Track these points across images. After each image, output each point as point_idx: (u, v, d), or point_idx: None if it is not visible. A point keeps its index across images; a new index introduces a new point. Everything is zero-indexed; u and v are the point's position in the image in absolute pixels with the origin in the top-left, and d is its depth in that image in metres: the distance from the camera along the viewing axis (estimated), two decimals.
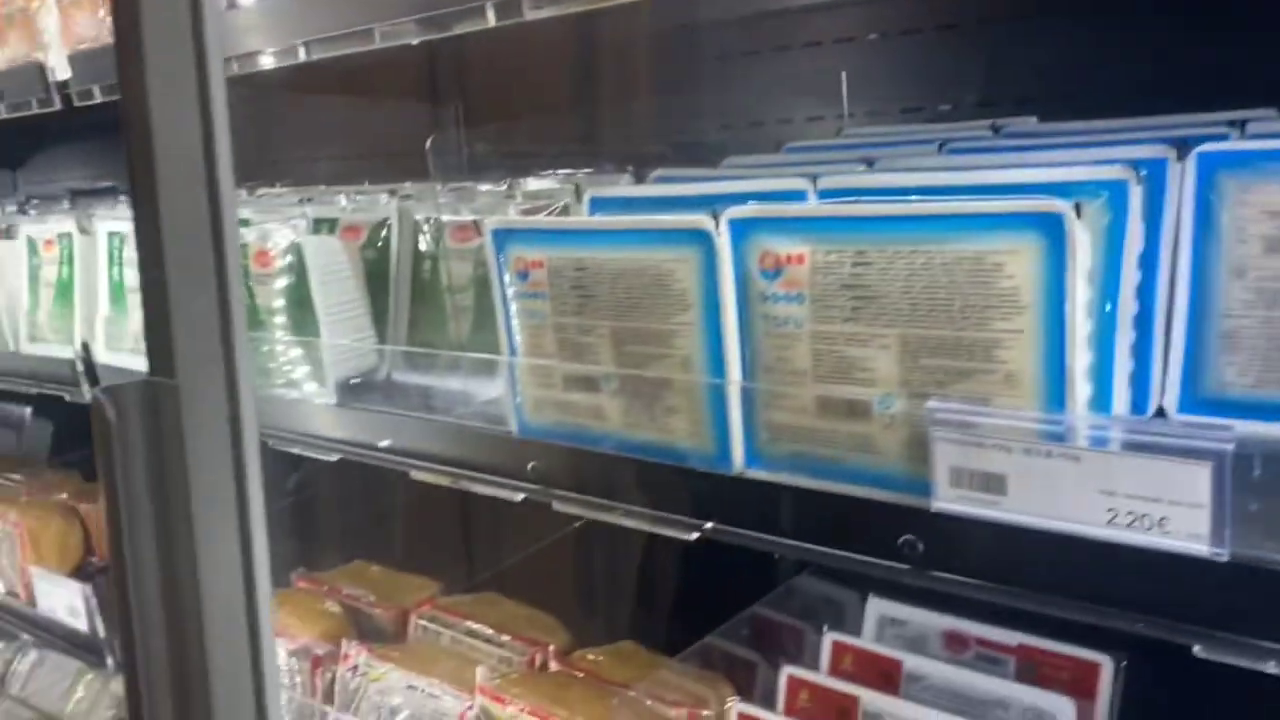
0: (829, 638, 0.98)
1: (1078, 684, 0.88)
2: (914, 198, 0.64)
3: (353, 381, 1.07)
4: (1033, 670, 0.91)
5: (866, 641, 0.98)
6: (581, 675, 1.03)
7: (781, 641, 1.03)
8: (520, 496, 0.89)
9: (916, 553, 0.65)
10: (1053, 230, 0.56)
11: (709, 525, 0.76)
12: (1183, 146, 0.63)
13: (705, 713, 0.93)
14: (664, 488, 0.78)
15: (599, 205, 0.84)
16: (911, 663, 0.94)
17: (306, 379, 1.08)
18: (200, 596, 0.44)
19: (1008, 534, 0.61)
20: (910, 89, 1.16)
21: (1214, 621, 0.55)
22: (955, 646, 0.97)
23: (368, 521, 1.52)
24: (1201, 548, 0.53)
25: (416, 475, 0.99)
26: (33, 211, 1.54)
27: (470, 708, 1.01)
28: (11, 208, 1.70)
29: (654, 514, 0.80)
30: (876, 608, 1.03)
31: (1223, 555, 0.53)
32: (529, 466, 0.87)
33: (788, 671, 0.94)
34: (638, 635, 1.12)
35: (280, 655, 1.18)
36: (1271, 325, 0.61)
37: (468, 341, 1.00)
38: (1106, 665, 0.88)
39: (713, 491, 0.75)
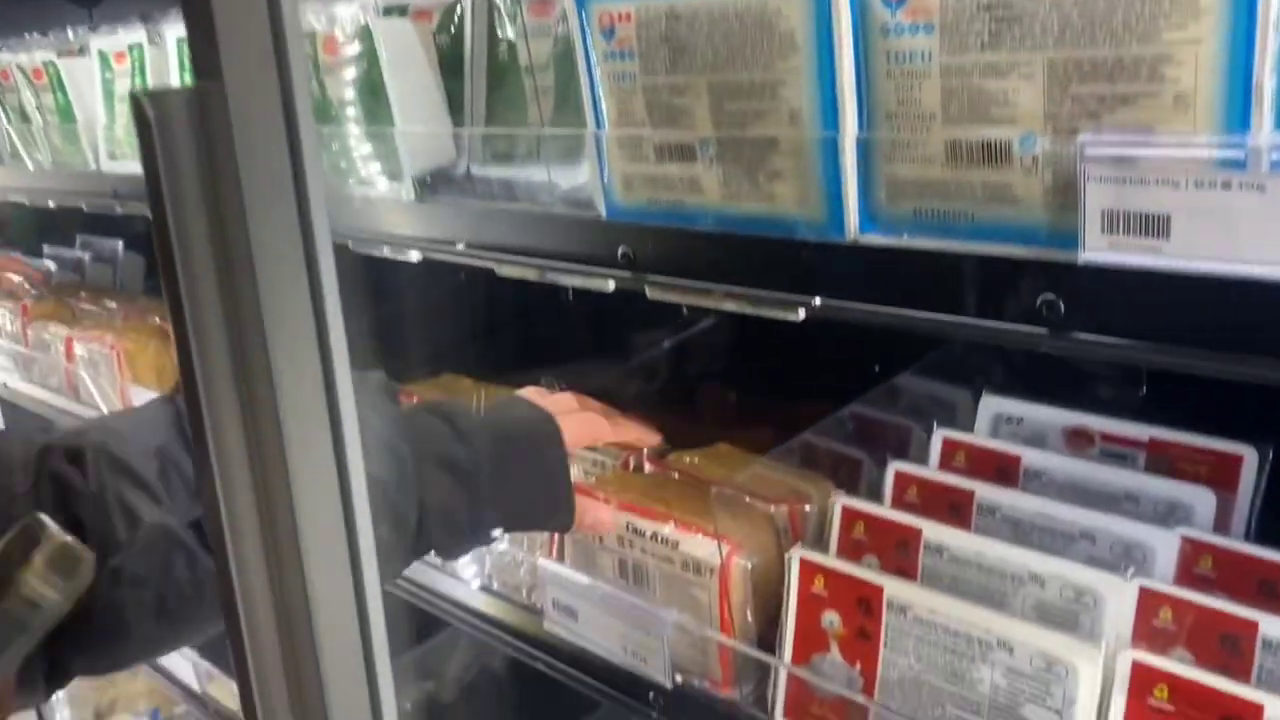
0: (939, 434, 0.93)
1: (1216, 477, 0.81)
2: None
3: (430, 176, 1.01)
4: (1166, 465, 0.84)
5: (980, 438, 0.92)
6: (678, 475, 0.99)
7: (885, 440, 0.98)
8: (611, 285, 0.84)
9: (1057, 314, 0.58)
10: None
11: (817, 302, 0.70)
12: None
13: (807, 507, 0.89)
14: (768, 264, 0.72)
15: None
16: (1030, 457, 0.88)
17: (382, 175, 1.03)
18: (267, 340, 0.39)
19: (1167, 284, 0.53)
20: None
21: None
22: (1078, 443, 0.91)
23: (452, 333, 1.50)
24: None
25: (503, 271, 0.94)
26: (103, 29, 1.50)
27: None
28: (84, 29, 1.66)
29: (756, 294, 0.74)
30: (990, 405, 0.96)
31: None
32: (619, 252, 0.81)
33: (895, 467, 0.89)
34: (733, 440, 1.08)
35: None
36: None
37: (550, 126, 0.93)
38: (1250, 456, 0.81)
39: (823, 263, 0.69)
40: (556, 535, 1.00)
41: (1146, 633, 0.69)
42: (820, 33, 0.63)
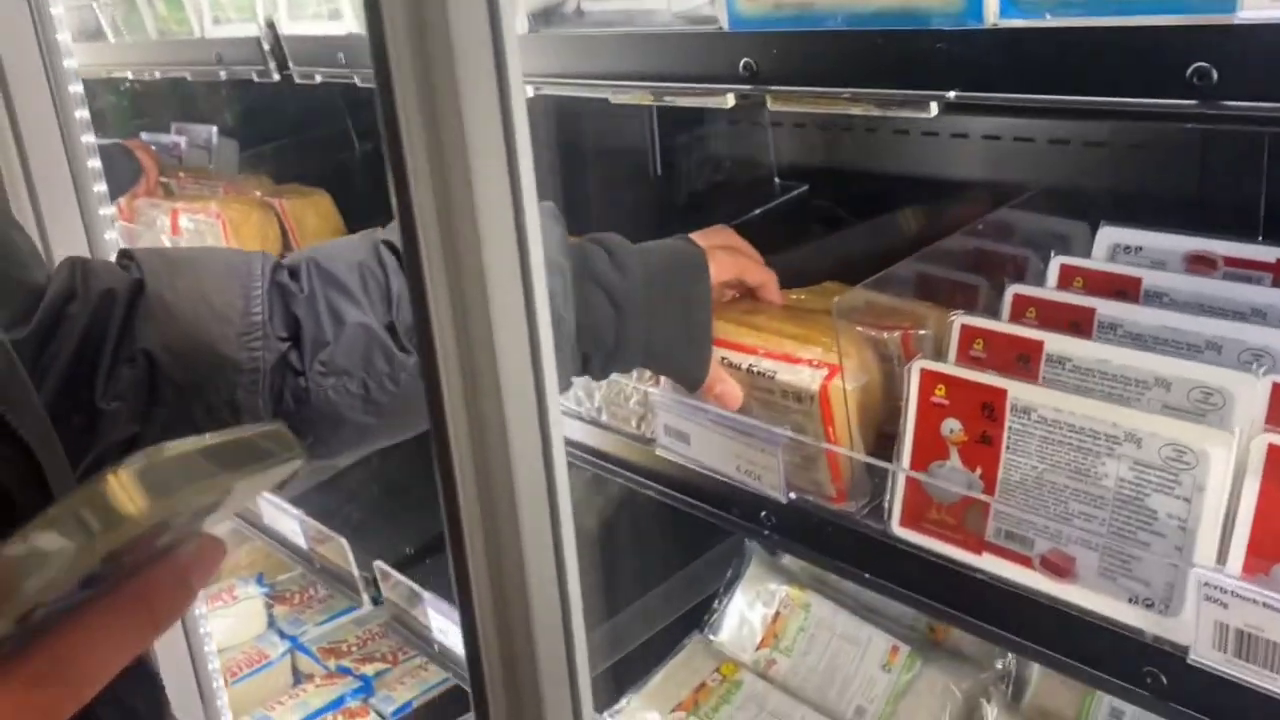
0: (1057, 260, 0.92)
1: None
2: None
3: (544, 12, 1.01)
4: None
5: (1100, 263, 0.92)
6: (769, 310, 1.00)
7: (1001, 268, 0.97)
8: (730, 100, 0.84)
9: (1209, 83, 0.57)
10: None
11: (952, 95, 0.70)
12: None
13: (921, 332, 0.90)
14: (900, 60, 0.72)
15: None
16: (1152, 278, 0.87)
17: None
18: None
19: None
20: None
21: None
22: (1201, 268, 0.89)
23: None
24: None
25: (617, 99, 0.94)
26: None
27: None
28: None
29: (887, 93, 0.73)
30: (1108, 235, 0.95)
31: None
32: (741, 65, 0.81)
33: (1014, 289, 0.89)
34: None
35: None
36: None
37: None
38: None
39: (960, 53, 0.68)
40: None
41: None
42: None
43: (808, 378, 0.86)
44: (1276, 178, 1.02)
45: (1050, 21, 0.63)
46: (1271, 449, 0.64)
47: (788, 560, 1.38)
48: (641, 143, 1.81)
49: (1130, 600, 0.71)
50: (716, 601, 1.40)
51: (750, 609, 1.34)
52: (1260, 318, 0.80)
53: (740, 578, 1.38)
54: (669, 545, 1.56)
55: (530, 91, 1.03)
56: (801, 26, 0.77)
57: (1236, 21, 0.55)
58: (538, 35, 1.00)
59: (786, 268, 1.04)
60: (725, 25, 0.82)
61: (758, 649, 1.32)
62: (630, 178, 1.79)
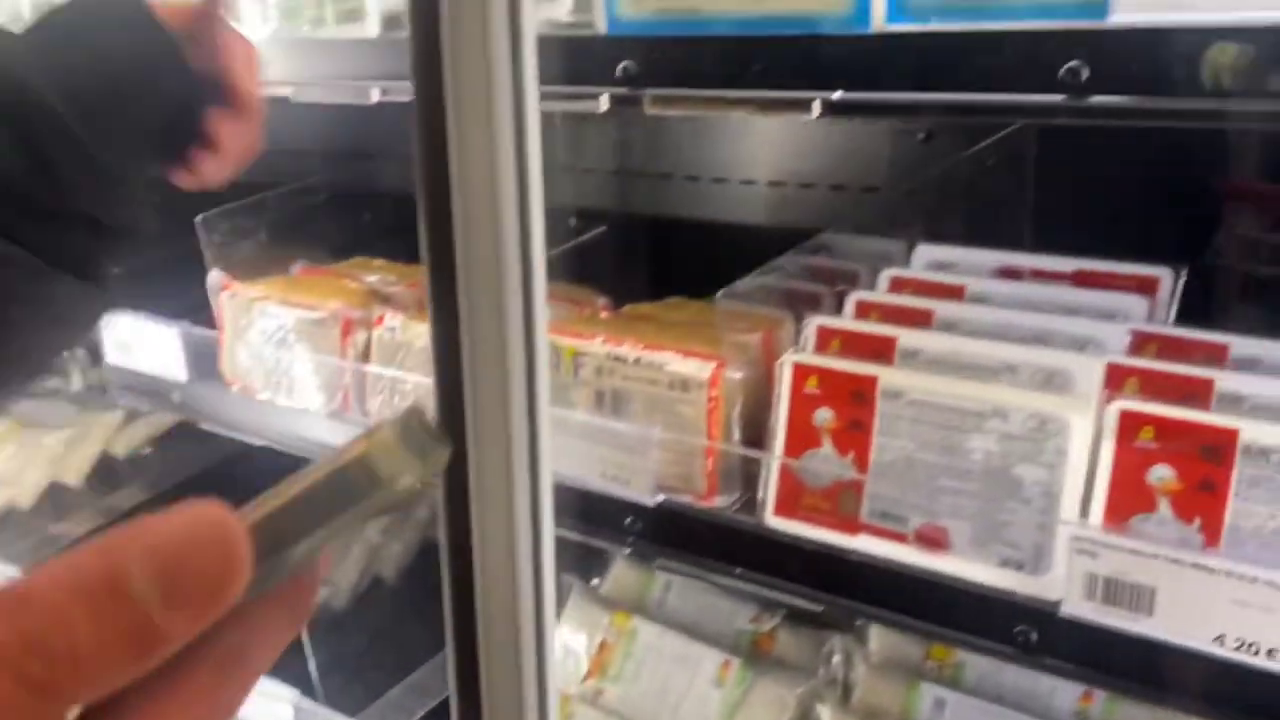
0: (885, 274, 1.00)
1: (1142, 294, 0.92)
2: None
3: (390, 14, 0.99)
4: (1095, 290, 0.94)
5: (922, 274, 1.00)
6: (639, 320, 1.02)
7: (835, 281, 1.04)
8: (605, 104, 0.86)
9: (1078, 80, 0.65)
10: None
11: (836, 95, 0.75)
12: None
13: (780, 333, 0.94)
14: (787, 64, 0.76)
15: None
16: (975, 286, 0.96)
17: (343, 19, 1.00)
18: None
19: (1197, 36, 0.61)
20: None
21: None
22: (1009, 279, 1.00)
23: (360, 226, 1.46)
24: None
25: None
26: None
27: None
28: None
29: (771, 96, 0.78)
30: (924, 253, 1.05)
31: None
32: (620, 68, 0.83)
33: (855, 297, 0.96)
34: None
35: (296, 321, 1.13)
36: None
37: None
38: (1166, 277, 0.92)
39: (848, 57, 0.73)
40: None
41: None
42: None
43: (697, 367, 0.87)
44: (1043, 187, 1.17)
45: (935, 26, 0.70)
46: (1124, 414, 0.73)
47: (608, 587, 1.37)
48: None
49: (1002, 564, 0.77)
50: None
51: (573, 641, 1.32)
52: (1073, 314, 0.91)
53: (561, 614, 1.35)
54: None
55: (377, 97, 1.00)
56: (688, 31, 0.80)
57: (1107, 26, 0.63)
58: (390, 37, 0.98)
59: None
60: (603, 28, 0.84)
61: (584, 681, 1.29)
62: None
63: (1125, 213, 1.17)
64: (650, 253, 1.57)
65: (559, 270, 1.46)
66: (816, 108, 0.76)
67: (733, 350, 0.90)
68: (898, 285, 0.99)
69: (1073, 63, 0.65)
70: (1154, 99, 0.63)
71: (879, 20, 0.72)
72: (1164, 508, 0.71)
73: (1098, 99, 0.65)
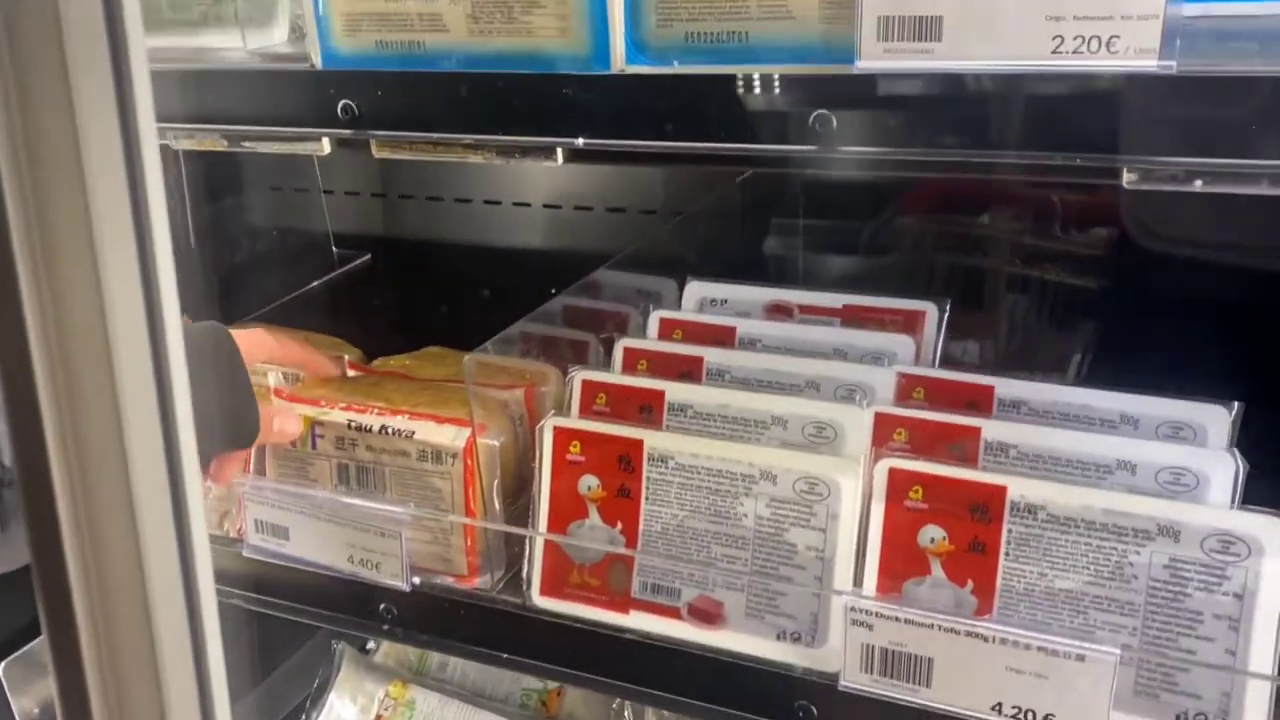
0: (655, 315, 0.95)
1: (905, 332, 0.90)
2: None
3: None
4: (860, 327, 0.92)
5: (694, 315, 0.95)
6: (390, 378, 0.92)
7: (603, 325, 0.98)
8: (326, 146, 0.76)
9: (830, 129, 0.61)
10: None
11: (580, 141, 0.68)
12: None
13: (544, 389, 0.87)
14: (524, 106, 0.69)
15: None
16: (745, 327, 0.92)
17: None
18: None
19: (937, 85, 0.58)
20: None
21: (1147, 148, 0.55)
22: (779, 316, 0.96)
23: None
24: (1151, 63, 0.53)
25: (181, 144, 0.82)
26: None
27: None
28: None
29: (509, 140, 0.70)
30: (695, 289, 1.00)
31: (1171, 68, 0.53)
32: (340, 107, 0.74)
33: (623, 343, 0.89)
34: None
35: None
36: None
37: None
38: (931, 311, 0.91)
39: (588, 100, 0.67)
40: (253, 452, 0.89)
41: (886, 454, 0.74)
42: None
43: (451, 435, 0.79)
44: (811, 230, 1.15)
45: (678, 69, 0.64)
46: (892, 473, 0.69)
47: (383, 656, 1.27)
48: (171, 212, 1.62)
49: (779, 636, 0.72)
50: (304, 716, 1.24)
51: (345, 713, 1.21)
52: (841, 356, 0.88)
53: (331, 684, 1.24)
54: (235, 658, 1.37)
55: None
56: (411, 68, 0.71)
57: (856, 70, 0.58)
58: None
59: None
60: (318, 62, 0.74)
61: None
62: None
63: (888, 246, 1.17)
64: (420, 279, 1.48)
65: (315, 308, 1.34)
66: (560, 155, 0.69)
67: (492, 411, 0.82)
68: (668, 328, 0.94)
69: (821, 110, 0.61)
70: (902, 150, 0.60)
71: (619, 60, 0.65)
72: (937, 570, 0.68)
73: (846, 149, 0.61)
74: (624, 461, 0.76)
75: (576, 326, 0.94)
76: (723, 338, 0.92)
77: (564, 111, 0.68)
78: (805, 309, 0.96)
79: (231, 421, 0.76)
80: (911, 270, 1.17)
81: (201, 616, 0.38)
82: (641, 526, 0.76)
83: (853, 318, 0.94)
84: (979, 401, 0.79)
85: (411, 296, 1.45)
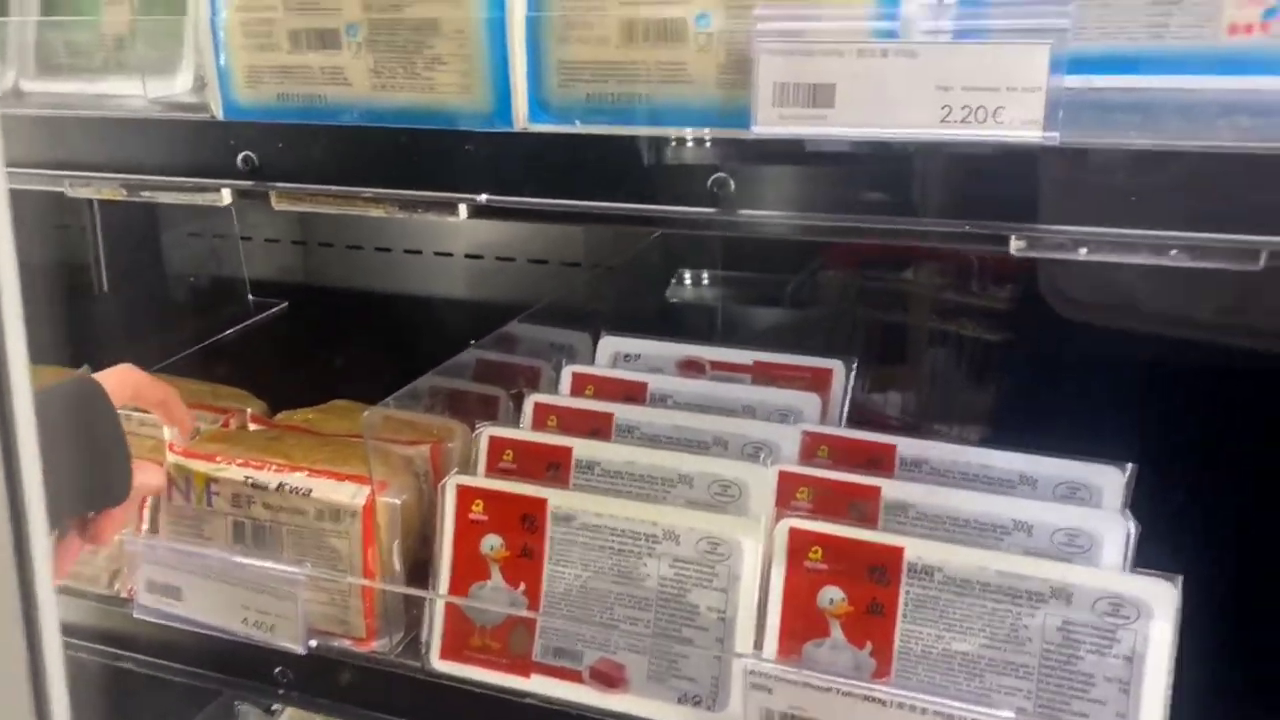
0: (567, 370, 0.94)
1: (814, 388, 0.90)
2: None
3: None
4: (770, 383, 0.92)
5: (606, 370, 0.95)
6: (291, 432, 0.90)
7: (514, 380, 0.97)
8: (226, 197, 0.75)
9: (727, 191, 0.61)
10: None
11: (483, 198, 0.67)
12: None
13: (450, 445, 0.85)
14: (427, 161, 0.68)
15: None
16: (656, 383, 0.92)
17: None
18: None
19: (831, 150, 0.58)
20: None
21: (1033, 216, 0.56)
22: (691, 372, 0.96)
23: None
24: (1035, 134, 0.54)
25: (76, 192, 0.79)
26: None
27: None
28: None
29: (412, 195, 0.69)
30: (609, 344, 1.00)
31: (1055, 139, 0.54)
32: (240, 159, 0.72)
33: (534, 398, 0.88)
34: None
35: None
36: None
37: (137, 24, 0.81)
38: (839, 369, 0.91)
39: (490, 156, 0.66)
40: (147, 510, 0.86)
41: (788, 513, 0.74)
42: None
43: (350, 493, 0.77)
44: (731, 283, 1.16)
45: (580, 128, 0.64)
46: (793, 533, 0.69)
47: (288, 718, 1.23)
48: (83, 255, 1.58)
49: (680, 700, 0.71)
50: None
51: None
52: (751, 413, 0.88)
53: None
54: None
55: None
56: (311, 119, 0.70)
57: (752, 135, 0.59)
58: None
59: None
60: (219, 113, 0.73)
61: None
62: (71, 296, 1.55)
63: (807, 301, 1.18)
64: (338, 328, 1.45)
65: (228, 357, 1.31)
66: (463, 211, 0.68)
67: (394, 469, 0.80)
68: (580, 382, 0.93)
69: (719, 174, 0.61)
70: (798, 215, 0.60)
71: (521, 118, 0.65)
72: (836, 632, 0.68)
73: (745, 212, 0.61)
74: (527, 521, 0.74)
75: (487, 381, 0.93)
76: (634, 394, 0.92)
77: (466, 168, 0.67)
78: (717, 365, 0.96)
79: (101, 479, 0.73)
80: (830, 325, 1.19)
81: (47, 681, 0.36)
82: (544, 588, 0.74)
83: (763, 375, 0.94)
84: (881, 460, 0.79)
85: (327, 346, 1.43)
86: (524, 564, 0.75)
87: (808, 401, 0.87)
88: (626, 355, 0.99)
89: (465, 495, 0.76)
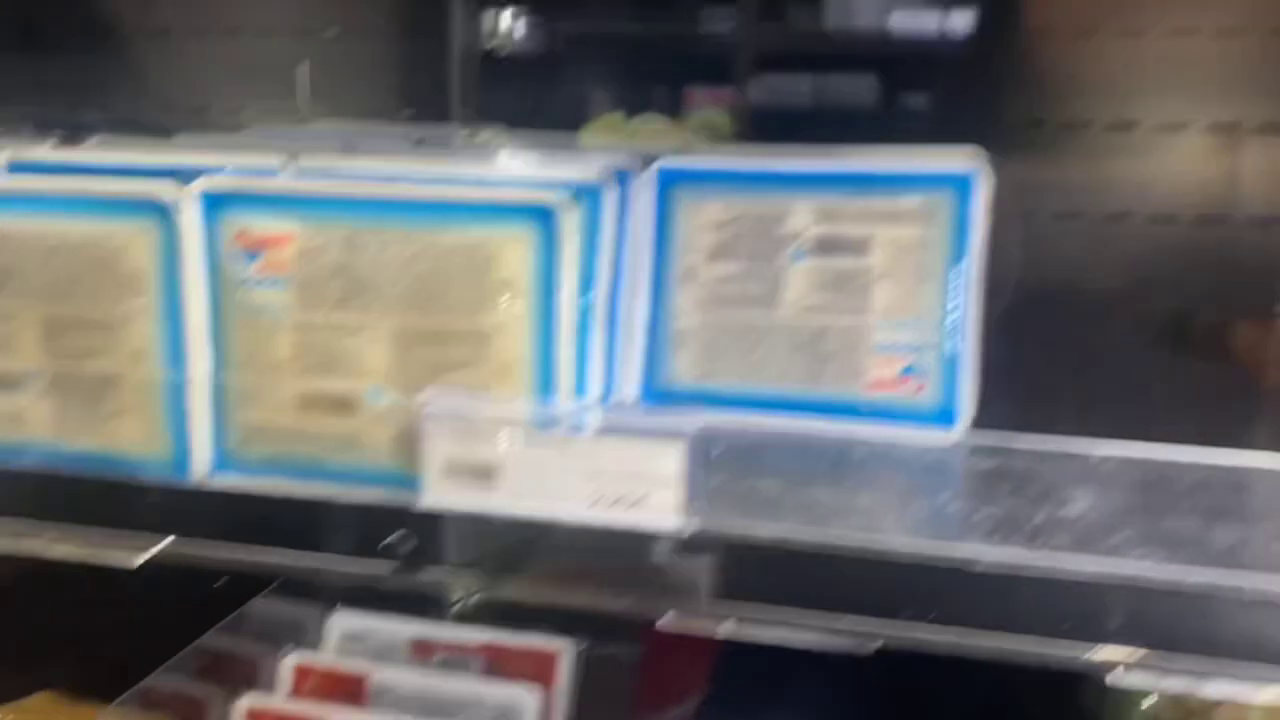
0: (289, 660, 0.92)
1: (540, 673, 0.92)
2: (406, 184, 0.62)
3: None
4: (500, 665, 0.93)
5: (329, 658, 0.93)
6: None
7: (238, 671, 0.94)
8: None
9: (407, 551, 0.63)
10: (546, 222, 0.58)
11: (164, 543, 0.67)
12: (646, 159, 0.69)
13: None
14: (106, 506, 0.67)
15: (22, 168, 0.70)
16: (378, 676, 0.91)
17: None
18: None
19: (498, 524, 0.61)
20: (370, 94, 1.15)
21: (677, 592, 0.60)
22: (422, 653, 0.96)
23: None
24: (674, 520, 0.58)
25: None
26: None
27: None
28: None
29: (94, 535, 0.68)
30: (339, 622, 0.98)
31: (692, 527, 0.58)
32: None
33: (244, 703, 0.86)
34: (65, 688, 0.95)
35: None
36: (710, 328, 0.68)
37: None
38: (565, 651, 0.93)
39: (172, 506, 0.66)
40: None
41: None
42: (168, 277, 0.62)
43: None
44: None
45: (261, 485, 0.65)
46: None
47: None
48: None
49: None
50: None
51: None
52: (470, 710, 0.88)
53: None
54: None
55: None
56: None
57: (422, 506, 0.61)
58: None
59: None
60: None
61: None
62: None
63: None
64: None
65: None
66: (138, 559, 0.67)
67: None
68: (302, 675, 0.91)
69: (391, 537, 0.63)
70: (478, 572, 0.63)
71: (201, 471, 0.65)
72: None
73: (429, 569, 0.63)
74: None
75: (210, 675, 0.90)
76: (356, 687, 0.90)
77: (149, 515, 0.67)
78: (448, 647, 0.96)
79: None
80: None
81: None
82: None
83: (493, 656, 0.95)
84: None
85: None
86: None
87: (525, 697, 0.88)
88: (356, 635, 0.98)
89: None
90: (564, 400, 0.60)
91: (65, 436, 0.67)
